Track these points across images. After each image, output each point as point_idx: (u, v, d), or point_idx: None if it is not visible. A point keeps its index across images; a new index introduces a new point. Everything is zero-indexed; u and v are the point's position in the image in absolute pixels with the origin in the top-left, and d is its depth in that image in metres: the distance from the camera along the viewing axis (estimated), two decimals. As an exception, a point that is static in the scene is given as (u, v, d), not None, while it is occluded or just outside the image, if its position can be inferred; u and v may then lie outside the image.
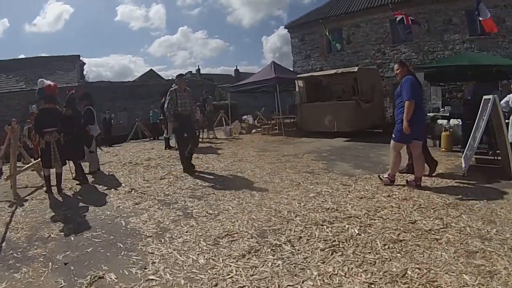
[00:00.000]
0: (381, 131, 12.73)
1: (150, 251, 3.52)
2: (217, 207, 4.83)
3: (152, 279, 2.98)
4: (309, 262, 3.08)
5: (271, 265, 3.05)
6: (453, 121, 9.31)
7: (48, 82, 6.61)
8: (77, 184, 6.81)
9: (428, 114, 10.56)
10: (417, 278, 2.75)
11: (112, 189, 6.25)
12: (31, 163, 7.42)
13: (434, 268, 2.88)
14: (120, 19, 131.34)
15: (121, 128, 21.50)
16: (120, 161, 9.31)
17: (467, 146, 6.53)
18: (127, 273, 3.10)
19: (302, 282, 2.79)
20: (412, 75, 5.64)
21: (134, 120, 19.85)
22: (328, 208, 4.52)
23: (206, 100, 15.48)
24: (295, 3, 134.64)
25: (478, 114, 6.54)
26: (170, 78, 37.71)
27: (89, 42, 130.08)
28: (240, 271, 2.99)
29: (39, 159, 6.77)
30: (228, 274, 2.96)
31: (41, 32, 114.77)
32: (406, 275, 2.80)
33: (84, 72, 29.30)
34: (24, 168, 7.21)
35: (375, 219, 4.06)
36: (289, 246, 3.43)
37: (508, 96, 7.31)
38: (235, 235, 3.81)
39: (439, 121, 9.73)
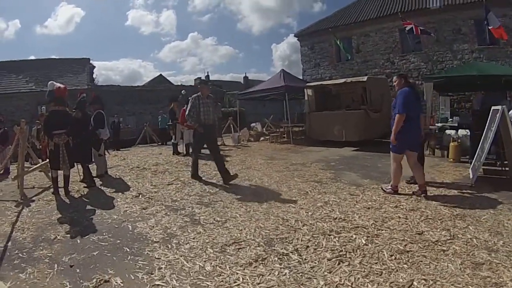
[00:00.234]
0: (390, 141, 12.62)
1: (156, 257, 3.54)
2: (225, 215, 4.86)
3: (158, 285, 3.01)
4: (316, 272, 3.10)
5: (278, 274, 3.08)
6: (461, 132, 9.29)
7: (58, 84, 6.67)
8: (84, 187, 6.86)
9: (436, 124, 10.58)
10: (423, 289, 2.77)
11: (120, 193, 6.29)
12: (39, 164, 7.49)
13: (441, 280, 2.89)
14: (131, 23, 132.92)
15: (129, 132, 21.70)
16: (128, 165, 9.38)
17: (475, 157, 6.52)
18: (133, 278, 3.13)
19: (309, 291, 2.81)
20: (410, 87, 5.78)
21: (142, 124, 20.03)
22: (336, 218, 4.53)
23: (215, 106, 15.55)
24: (305, 11, 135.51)
25: (487, 125, 6.55)
26: (179, 83, 37.98)
27: (99, 45, 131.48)
28: (247, 279, 3.01)
29: (47, 160, 6.86)
30: (235, 282, 2.98)
31: (52, 34, 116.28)
32: (413, 286, 2.82)
33: (94, 76, 29.63)
34: (32, 169, 7.28)
35: (382, 230, 4.08)
36: (296, 255, 3.45)
37: None
38: (242, 243, 3.83)
39: (448, 132, 9.72)
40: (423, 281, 2.88)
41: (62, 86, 6.67)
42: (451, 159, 8.64)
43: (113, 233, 4.30)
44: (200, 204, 5.45)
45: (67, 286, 3.04)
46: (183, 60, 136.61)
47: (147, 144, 17.93)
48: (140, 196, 6.01)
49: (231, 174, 7.03)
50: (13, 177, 6.95)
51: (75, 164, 6.86)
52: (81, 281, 3.11)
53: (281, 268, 3.19)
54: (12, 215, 5.21)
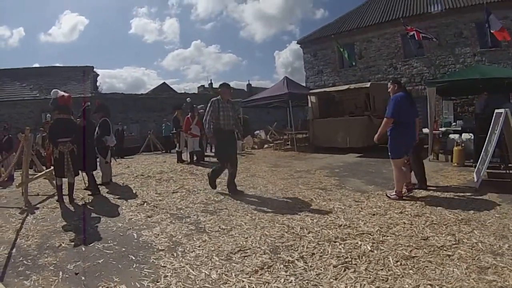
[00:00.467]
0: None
1: (162, 265, 3.54)
2: (230, 222, 4.86)
3: (165, 293, 3.02)
4: (321, 279, 3.10)
5: (284, 281, 3.08)
6: (465, 136, 9.30)
7: (62, 93, 6.72)
8: (89, 195, 6.90)
9: (440, 129, 10.58)
10: (429, 294, 2.78)
11: (124, 201, 6.31)
12: (43, 172, 7.53)
13: (446, 285, 2.89)
14: (134, 32, 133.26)
15: (133, 140, 21.77)
16: (132, 173, 9.40)
17: (479, 161, 6.52)
18: (138, 286, 3.13)
19: (315, 298, 2.82)
20: (405, 92, 5.91)
21: (146, 132, 20.11)
22: (341, 225, 4.53)
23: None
24: (307, 18, 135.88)
25: (490, 128, 6.56)
26: (183, 91, 38.12)
27: (103, 53, 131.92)
28: (253, 287, 3.01)
29: (51, 167, 6.89)
30: (241, 290, 2.99)
31: (56, 42, 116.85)
32: (418, 291, 2.83)
33: (98, 83, 29.90)
34: (36, 176, 7.31)
35: (387, 236, 4.08)
36: (302, 262, 3.45)
37: None
38: (248, 250, 3.83)
39: (451, 136, 9.72)
40: (428, 286, 2.88)
41: (66, 94, 6.73)
42: (455, 164, 8.64)
43: (118, 241, 4.31)
44: (205, 212, 5.46)
45: (72, 294, 3.05)
46: (187, 68, 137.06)
47: (151, 152, 17.99)
48: (145, 204, 6.03)
49: (237, 189, 6.80)
50: (17, 184, 6.99)
51: (80, 171, 6.89)
52: (86, 289, 3.12)
53: (286, 275, 3.19)
54: (16, 222, 5.24)
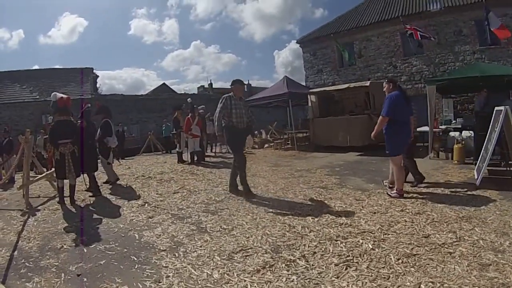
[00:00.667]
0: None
1: (164, 265, 3.55)
2: (231, 222, 4.86)
3: (167, 293, 3.03)
4: (323, 277, 3.11)
5: (286, 280, 3.09)
6: (465, 133, 9.30)
7: (60, 95, 6.70)
8: (90, 196, 6.90)
9: (440, 127, 10.58)
10: (430, 292, 2.79)
11: (126, 202, 6.31)
12: (44, 174, 7.54)
13: (448, 282, 2.90)
14: (133, 33, 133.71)
15: (133, 141, 21.81)
16: (133, 174, 9.40)
17: (479, 158, 6.53)
18: (141, 287, 3.14)
19: (317, 297, 2.83)
20: (400, 91, 5.98)
21: (146, 133, 20.11)
22: (342, 223, 4.54)
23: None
24: (306, 17, 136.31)
25: (490, 126, 6.57)
26: (183, 92, 38.07)
27: (102, 55, 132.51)
28: (255, 286, 3.02)
29: (52, 169, 6.90)
30: (243, 289, 3.00)
31: (56, 44, 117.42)
32: (420, 289, 2.83)
33: (97, 85, 29.90)
34: (37, 178, 7.32)
35: (388, 234, 4.09)
36: (303, 261, 3.46)
37: None
38: (250, 250, 3.84)
39: (451, 134, 9.72)
40: (430, 284, 2.89)
41: (64, 96, 6.71)
42: (456, 161, 8.65)
43: (120, 242, 4.32)
44: (206, 212, 5.46)
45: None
46: (186, 68, 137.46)
47: (152, 152, 17.99)
48: (146, 205, 6.03)
49: (239, 189, 6.64)
50: (18, 186, 7.00)
51: (81, 173, 6.89)
52: (89, 290, 3.13)
53: (288, 274, 3.20)
54: (17, 224, 5.25)
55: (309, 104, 14.96)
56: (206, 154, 13.17)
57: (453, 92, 14.01)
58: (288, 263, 3.42)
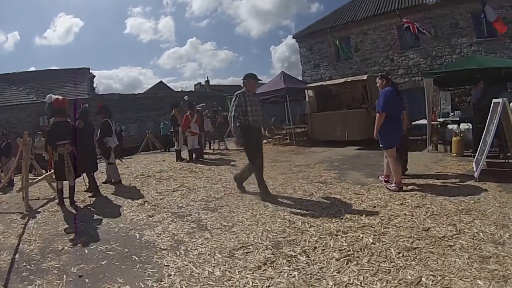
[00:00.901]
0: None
1: (165, 264, 3.56)
2: (231, 219, 4.87)
3: (169, 292, 3.03)
4: (324, 272, 3.12)
5: (287, 276, 3.10)
6: (463, 126, 9.31)
7: (55, 96, 6.69)
8: (89, 197, 6.91)
9: (438, 119, 10.59)
10: (431, 285, 2.80)
11: (125, 202, 6.32)
12: (43, 175, 7.55)
13: (448, 275, 2.91)
14: (129, 31, 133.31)
15: (131, 140, 21.76)
16: (132, 173, 9.43)
17: (478, 151, 6.54)
18: (143, 286, 3.15)
19: (319, 292, 2.83)
20: (393, 87, 6.08)
21: (144, 132, 20.08)
22: (342, 218, 4.55)
23: (217, 111, 15.68)
24: (302, 12, 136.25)
25: (488, 118, 6.57)
26: (180, 89, 38.00)
27: (98, 54, 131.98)
28: (257, 283, 3.03)
29: (51, 171, 6.89)
30: (245, 286, 3.01)
31: (51, 45, 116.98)
32: (421, 282, 2.85)
33: (94, 85, 29.88)
34: (36, 180, 7.33)
35: (388, 228, 4.10)
36: (304, 256, 3.47)
37: None
38: (250, 246, 3.85)
39: (449, 126, 9.73)
40: (431, 277, 2.90)
41: (60, 97, 6.68)
42: (454, 154, 8.66)
43: (121, 241, 4.33)
44: (206, 209, 5.47)
45: (78, 296, 3.05)
46: (183, 66, 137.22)
47: (150, 151, 17.97)
48: (146, 204, 6.03)
49: (267, 187, 6.16)
50: (17, 189, 6.99)
51: (80, 173, 6.87)
52: (91, 291, 3.13)
53: (290, 270, 3.21)
54: (18, 227, 5.26)
55: (307, 99, 14.93)
56: (205, 151, 13.16)
57: (451, 84, 13.98)
58: (289, 259, 3.43)
